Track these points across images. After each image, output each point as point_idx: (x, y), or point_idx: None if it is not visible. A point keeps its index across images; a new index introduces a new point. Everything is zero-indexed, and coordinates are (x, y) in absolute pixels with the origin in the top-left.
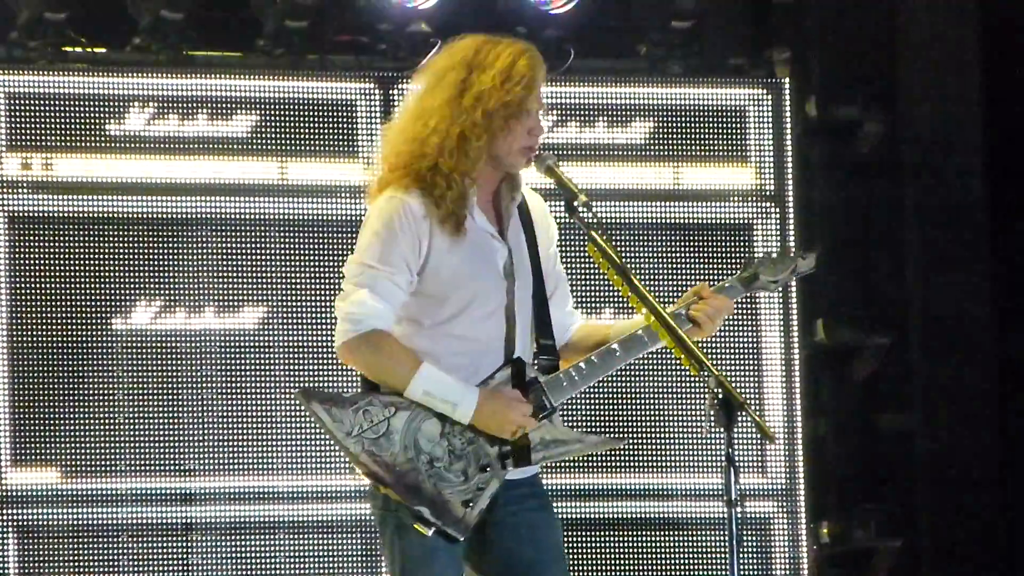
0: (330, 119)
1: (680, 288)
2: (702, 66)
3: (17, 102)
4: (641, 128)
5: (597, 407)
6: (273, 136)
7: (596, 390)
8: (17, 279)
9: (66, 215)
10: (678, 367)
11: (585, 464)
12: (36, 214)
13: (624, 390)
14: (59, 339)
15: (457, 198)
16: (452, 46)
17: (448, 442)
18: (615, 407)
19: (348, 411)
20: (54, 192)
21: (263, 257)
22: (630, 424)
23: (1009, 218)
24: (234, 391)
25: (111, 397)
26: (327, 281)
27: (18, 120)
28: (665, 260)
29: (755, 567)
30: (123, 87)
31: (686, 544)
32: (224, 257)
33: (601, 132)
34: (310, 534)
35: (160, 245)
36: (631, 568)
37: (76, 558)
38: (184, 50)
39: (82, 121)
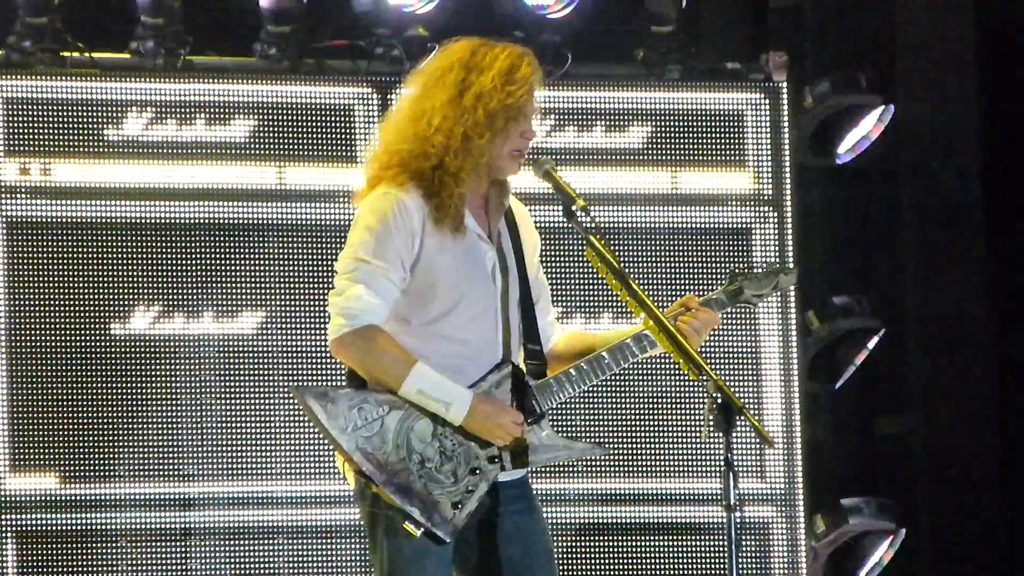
0: (328, 123)
1: (678, 293)
2: (700, 70)
3: (15, 107)
4: (639, 132)
5: (604, 411)
6: (271, 141)
7: (602, 395)
8: (15, 284)
9: (64, 220)
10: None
11: (591, 468)
12: (34, 219)
13: (631, 394)
14: (57, 344)
15: (462, 197)
16: (447, 48)
17: (439, 443)
18: (622, 412)
19: (343, 407)
20: (52, 197)
21: (261, 262)
22: (637, 429)
23: (1008, 218)
24: (233, 396)
25: (109, 402)
26: (325, 285)
27: (16, 125)
28: (663, 265)
29: (755, 571)
30: (121, 92)
31: (689, 549)
32: (222, 262)
33: (599, 136)
34: (309, 539)
35: (158, 250)
36: (635, 572)
37: (75, 563)
38: (182, 55)
39: (80, 126)
